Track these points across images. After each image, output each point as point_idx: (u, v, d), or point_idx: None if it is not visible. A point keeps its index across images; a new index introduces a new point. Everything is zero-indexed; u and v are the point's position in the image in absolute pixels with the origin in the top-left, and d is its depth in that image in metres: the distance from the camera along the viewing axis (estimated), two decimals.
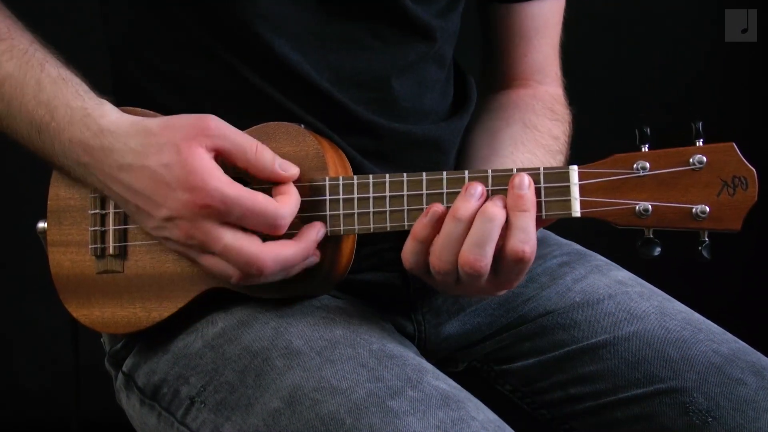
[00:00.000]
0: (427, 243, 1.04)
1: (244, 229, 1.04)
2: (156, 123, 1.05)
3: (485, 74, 1.35)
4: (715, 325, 1.20)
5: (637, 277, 1.27)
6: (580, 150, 1.25)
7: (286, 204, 1.04)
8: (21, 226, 1.35)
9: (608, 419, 1.19)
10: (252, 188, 1.05)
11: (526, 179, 1.01)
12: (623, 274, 1.27)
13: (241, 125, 1.08)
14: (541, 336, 1.23)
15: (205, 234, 1.03)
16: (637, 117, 1.03)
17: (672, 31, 2.41)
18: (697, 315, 1.21)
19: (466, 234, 1.01)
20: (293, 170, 1.06)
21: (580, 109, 1.33)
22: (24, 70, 1.11)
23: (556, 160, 1.23)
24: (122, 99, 1.20)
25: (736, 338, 1.18)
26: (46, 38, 1.16)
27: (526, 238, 1.00)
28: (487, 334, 1.26)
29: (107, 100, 1.11)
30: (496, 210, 1.01)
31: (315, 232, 1.06)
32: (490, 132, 1.26)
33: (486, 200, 1.02)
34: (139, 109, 1.13)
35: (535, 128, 1.24)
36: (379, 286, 1.21)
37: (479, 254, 1.01)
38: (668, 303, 1.23)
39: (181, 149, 1.02)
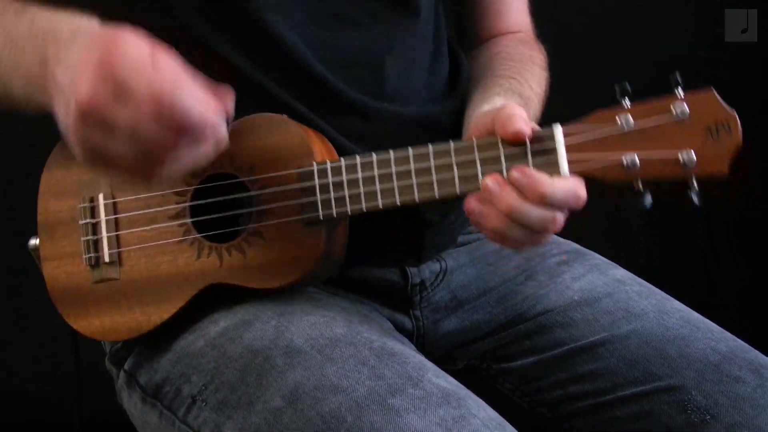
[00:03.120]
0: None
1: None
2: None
3: (459, 36, 1.35)
4: (714, 324, 1.20)
5: (636, 276, 1.28)
6: None
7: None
8: (18, 225, 1.35)
9: (607, 417, 1.19)
10: None
11: (489, 182, 1.01)
12: (622, 273, 1.27)
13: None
14: (540, 334, 1.24)
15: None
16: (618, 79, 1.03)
17: (672, 31, 2.41)
18: (695, 314, 1.22)
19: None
20: None
21: (578, 108, 1.33)
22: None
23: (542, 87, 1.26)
24: None
25: (734, 337, 1.19)
26: None
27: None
28: (486, 331, 1.26)
29: None
30: (510, 201, 1.00)
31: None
32: (478, 84, 1.26)
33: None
34: None
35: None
36: (378, 282, 1.22)
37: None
38: (667, 302, 1.23)
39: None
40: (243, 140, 1.10)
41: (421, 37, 1.23)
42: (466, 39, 1.36)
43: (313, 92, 1.14)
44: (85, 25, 1.00)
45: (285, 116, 1.10)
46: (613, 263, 1.30)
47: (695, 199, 0.99)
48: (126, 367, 1.20)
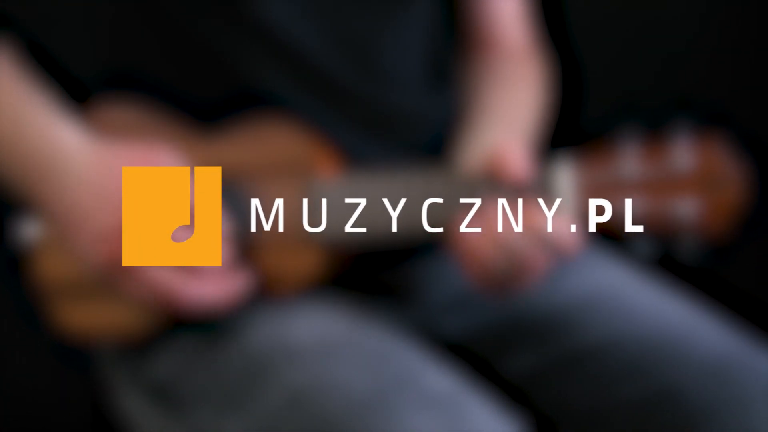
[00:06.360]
0: None
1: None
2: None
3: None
4: (714, 324, 1.20)
5: (636, 276, 1.27)
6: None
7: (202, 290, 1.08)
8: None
9: (607, 417, 1.19)
10: None
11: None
12: (622, 273, 1.27)
13: (212, 100, 1.11)
14: (539, 334, 1.24)
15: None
16: (625, 116, 1.03)
17: (671, 32, 2.42)
18: (695, 314, 1.22)
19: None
20: None
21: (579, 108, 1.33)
22: None
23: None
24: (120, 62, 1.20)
25: (734, 337, 1.18)
26: None
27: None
28: (486, 331, 1.26)
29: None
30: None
31: (239, 284, 1.08)
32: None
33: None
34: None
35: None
36: (377, 281, 1.21)
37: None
38: (667, 301, 1.23)
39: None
40: (249, 146, 1.10)
41: (415, 23, 1.21)
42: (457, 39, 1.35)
43: (309, 79, 1.13)
44: (62, 161, 1.08)
45: (295, 126, 1.10)
46: (612, 263, 1.29)
47: (691, 254, 1.00)
48: (126, 367, 1.20)
